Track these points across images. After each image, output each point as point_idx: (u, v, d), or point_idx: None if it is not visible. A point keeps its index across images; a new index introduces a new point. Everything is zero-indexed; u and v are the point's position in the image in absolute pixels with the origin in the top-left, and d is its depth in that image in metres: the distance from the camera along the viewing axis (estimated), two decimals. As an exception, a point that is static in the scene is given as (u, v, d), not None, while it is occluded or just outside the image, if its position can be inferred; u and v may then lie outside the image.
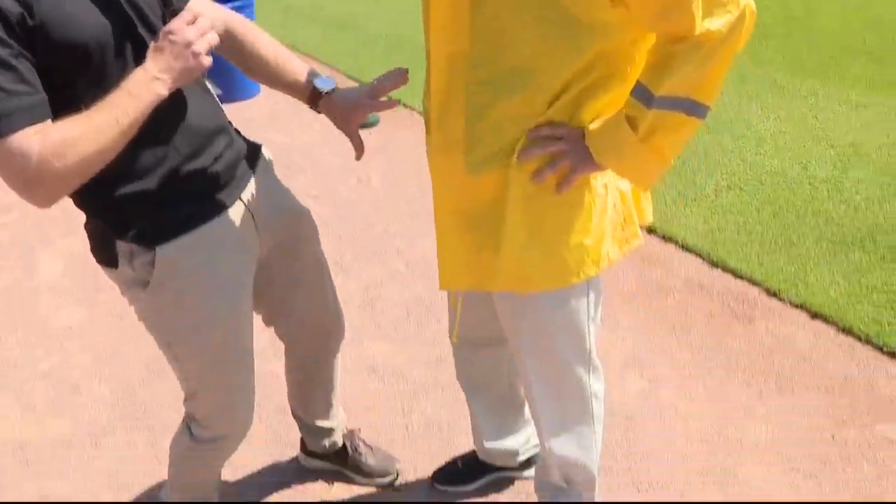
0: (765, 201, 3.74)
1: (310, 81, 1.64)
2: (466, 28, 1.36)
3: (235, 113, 4.20)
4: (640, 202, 1.62)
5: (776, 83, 5.43)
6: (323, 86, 1.63)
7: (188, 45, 1.31)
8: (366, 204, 3.94)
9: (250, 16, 5.51)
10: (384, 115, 4.94)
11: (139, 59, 1.33)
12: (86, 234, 1.54)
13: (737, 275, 3.16)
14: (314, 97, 1.65)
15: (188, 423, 1.76)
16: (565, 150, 1.40)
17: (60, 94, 1.27)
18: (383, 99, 1.61)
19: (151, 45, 1.32)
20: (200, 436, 1.74)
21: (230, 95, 5.22)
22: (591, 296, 1.59)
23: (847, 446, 2.27)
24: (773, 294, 3.02)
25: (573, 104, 1.39)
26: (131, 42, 1.36)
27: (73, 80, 1.30)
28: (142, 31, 1.37)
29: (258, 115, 5.03)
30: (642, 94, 1.34)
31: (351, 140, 1.66)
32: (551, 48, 1.33)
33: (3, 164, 1.22)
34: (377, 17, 8.22)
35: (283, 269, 1.76)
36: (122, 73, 1.31)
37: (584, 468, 1.81)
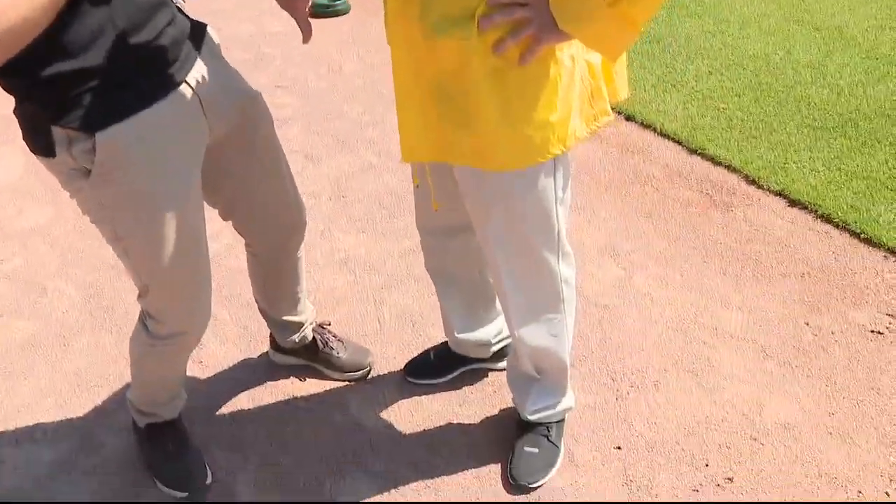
0: (746, 87, 3.64)
1: None
2: None
3: (202, 4, 3.99)
4: (611, 78, 1.53)
5: (762, -37, 5.22)
6: None
7: None
8: (337, 93, 3.80)
9: None
10: (356, 2, 4.75)
11: None
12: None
13: (716, 162, 3.10)
14: None
15: (144, 319, 1.71)
16: (528, 18, 1.31)
17: None
18: None
19: None
20: (157, 332, 1.69)
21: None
22: (559, 176, 1.53)
23: (821, 333, 2.27)
24: (751, 181, 2.97)
25: None
26: None
27: None
28: None
29: (226, 6, 4.79)
30: None
31: (298, 23, 1.57)
32: None
33: None
34: None
35: (235, 157, 1.67)
36: None
37: (555, 356, 1.79)
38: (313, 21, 4.87)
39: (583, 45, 1.40)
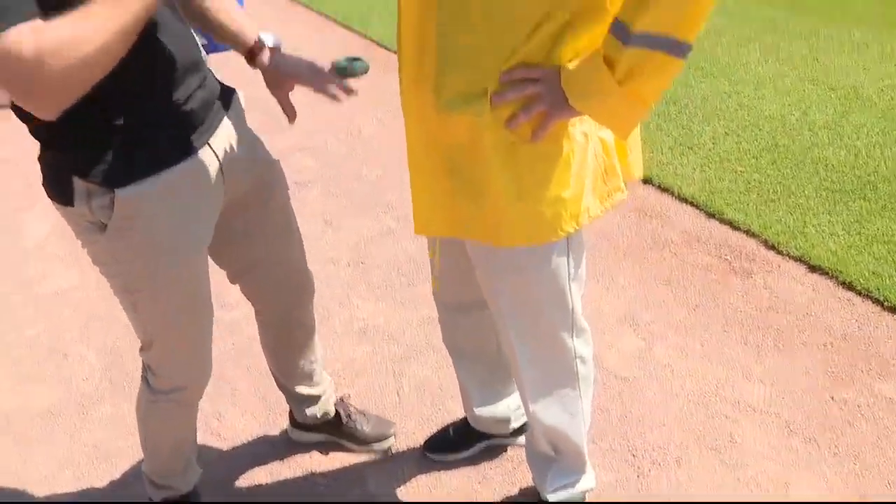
0: (763, 148, 3.65)
1: (254, 32, 1.59)
2: None
3: (221, 63, 4.05)
4: (625, 155, 1.54)
5: (775, 23, 5.28)
6: (267, 40, 1.60)
7: None
8: (356, 156, 3.84)
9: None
10: (374, 62, 4.80)
11: None
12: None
13: (734, 226, 3.09)
14: (255, 51, 1.60)
15: (145, 374, 1.72)
16: (540, 94, 1.32)
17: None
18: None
19: None
20: (157, 387, 1.70)
21: (216, 45, 5.07)
22: (571, 254, 1.53)
23: (846, 407, 2.23)
24: (771, 246, 2.96)
25: (549, 43, 1.31)
26: None
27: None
28: None
29: (247, 66, 4.88)
30: (620, 32, 1.26)
31: (281, 105, 1.62)
32: None
33: None
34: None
35: (248, 220, 1.70)
36: None
37: (570, 434, 1.77)
38: (333, 82, 4.96)
39: (595, 122, 1.41)
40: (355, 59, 1.56)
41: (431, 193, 1.49)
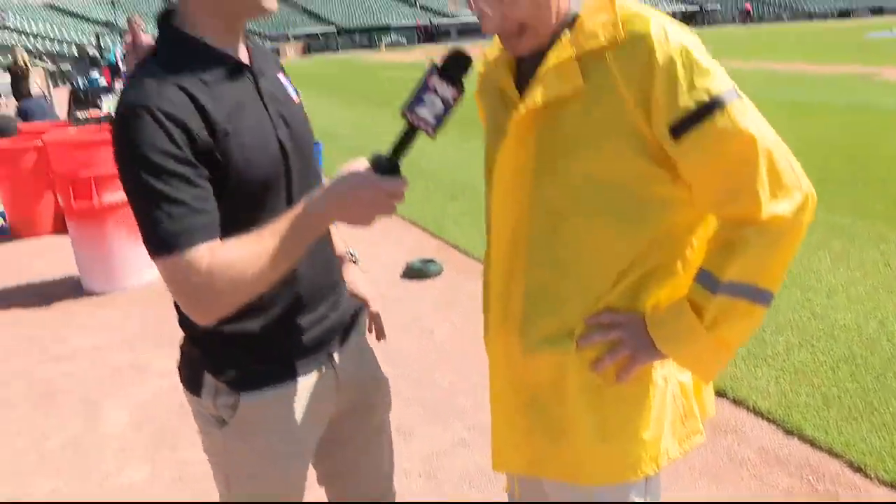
0: (840, 360, 3.60)
1: (343, 244, 1.79)
2: (527, 205, 1.39)
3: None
4: (701, 394, 1.56)
5: (843, 229, 5.35)
6: (354, 255, 1.80)
7: (389, 194, 1.30)
8: (428, 359, 3.92)
9: (318, 158, 5.69)
10: (447, 264, 4.99)
11: (303, 188, 1.43)
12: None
13: (815, 445, 3.00)
14: (342, 261, 1.77)
15: None
16: (625, 338, 1.38)
17: (225, 219, 1.33)
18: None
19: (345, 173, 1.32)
20: None
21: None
22: (649, 495, 1.52)
23: None
24: (857, 469, 2.85)
25: (634, 289, 1.39)
26: (296, 172, 1.46)
27: (243, 213, 1.36)
28: (297, 163, 1.47)
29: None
30: (707, 280, 1.33)
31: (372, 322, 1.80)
32: (608, 228, 1.34)
33: (174, 277, 1.27)
34: (438, 161, 8.46)
35: (349, 433, 1.76)
36: (286, 205, 1.40)
37: None
38: (407, 282, 5.14)
39: (675, 365, 1.46)
40: (429, 262, 1.69)
41: (512, 431, 1.53)
